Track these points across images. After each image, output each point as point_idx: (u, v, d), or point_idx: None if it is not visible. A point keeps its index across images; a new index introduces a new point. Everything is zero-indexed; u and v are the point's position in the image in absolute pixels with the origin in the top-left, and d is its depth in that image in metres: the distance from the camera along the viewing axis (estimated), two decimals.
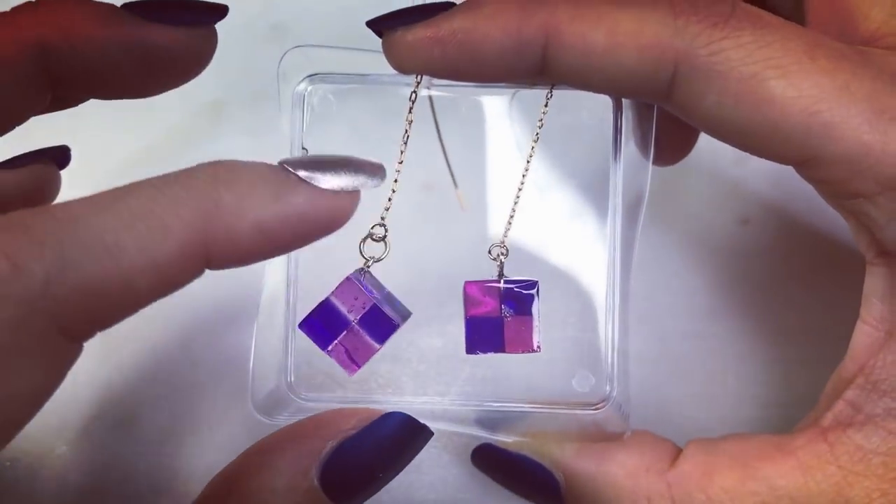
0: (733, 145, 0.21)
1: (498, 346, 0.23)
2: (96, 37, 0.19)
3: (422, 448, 0.20)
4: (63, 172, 0.28)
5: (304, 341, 0.25)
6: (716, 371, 0.31)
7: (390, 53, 0.21)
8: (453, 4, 0.20)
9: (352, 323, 0.22)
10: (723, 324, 0.31)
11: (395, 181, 0.22)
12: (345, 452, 0.19)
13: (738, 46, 0.19)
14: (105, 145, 0.33)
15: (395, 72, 0.21)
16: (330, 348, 0.22)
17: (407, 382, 0.25)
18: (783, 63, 0.19)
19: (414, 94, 0.22)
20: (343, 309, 0.22)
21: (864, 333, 0.22)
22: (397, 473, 0.20)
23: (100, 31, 0.19)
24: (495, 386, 0.25)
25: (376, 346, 0.22)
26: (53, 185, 0.25)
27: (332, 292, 0.22)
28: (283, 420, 0.24)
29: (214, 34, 0.21)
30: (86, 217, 0.15)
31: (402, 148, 0.22)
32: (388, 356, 0.23)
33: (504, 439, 0.25)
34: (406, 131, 0.22)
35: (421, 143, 0.23)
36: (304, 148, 0.24)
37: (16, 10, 0.19)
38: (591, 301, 0.25)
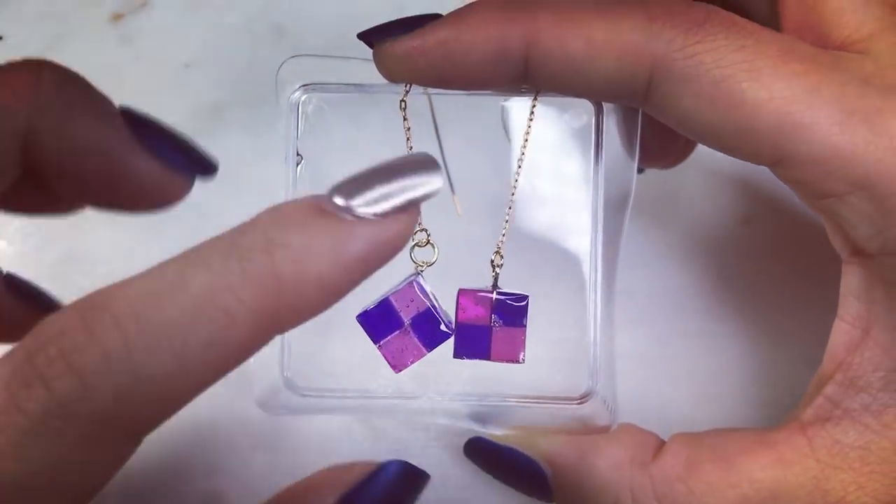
0: (709, 146, 0.22)
1: (484, 353, 0.24)
2: (93, 144, 0.19)
3: (421, 493, 0.20)
4: None
5: (303, 339, 0.25)
6: (716, 371, 0.31)
7: (380, 63, 0.22)
8: (439, 16, 0.21)
9: (405, 324, 0.23)
10: (723, 324, 0.31)
11: None
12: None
13: (711, 50, 0.20)
14: None
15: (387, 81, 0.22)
16: (381, 343, 0.23)
17: (406, 381, 0.26)
18: (756, 66, 0.20)
19: (403, 103, 0.23)
20: (399, 309, 0.23)
21: (842, 331, 0.22)
22: None
23: (97, 140, 0.19)
24: (486, 382, 0.26)
25: (425, 350, 0.23)
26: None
27: (393, 293, 0.23)
28: (284, 415, 0.24)
29: (191, 186, 0.21)
30: (148, 316, 0.15)
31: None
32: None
33: (495, 432, 0.25)
34: (408, 139, 0.23)
35: (417, 149, 0.23)
36: (298, 155, 0.25)
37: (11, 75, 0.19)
38: (577, 299, 0.25)
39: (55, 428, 0.14)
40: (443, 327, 0.23)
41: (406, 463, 0.19)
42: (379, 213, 0.17)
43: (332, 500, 0.18)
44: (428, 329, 0.23)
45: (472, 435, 0.26)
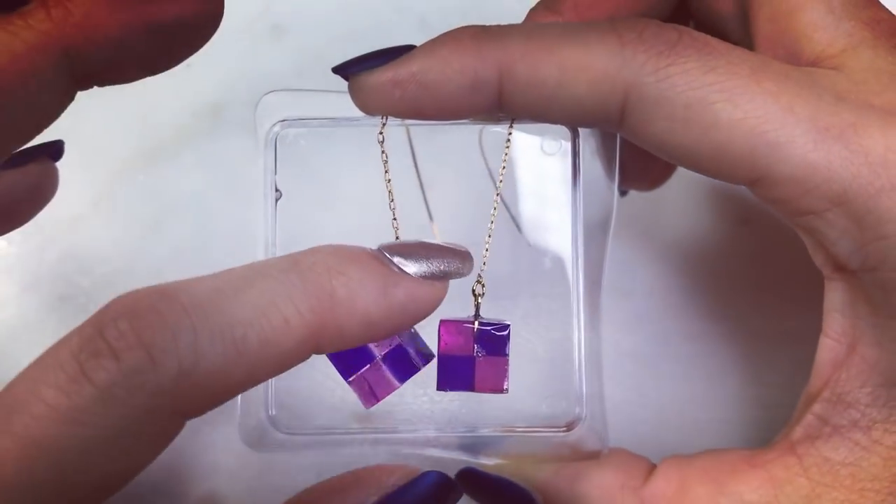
0: (686, 168, 0.22)
1: (468, 384, 0.23)
2: (115, 32, 0.19)
3: (457, 501, 0.20)
4: (64, 173, 0.28)
5: (287, 375, 0.25)
6: (716, 371, 0.31)
7: (356, 96, 0.22)
8: (413, 47, 0.21)
9: (376, 358, 0.23)
10: (723, 324, 0.31)
11: (394, 216, 0.23)
12: None
13: (683, 73, 0.20)
14: (105, 145, 0.33)
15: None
16: (351, 379, 0.23)
17: (393, 416, 0.26)
18: (728, 87, 0.20)
19: (381, 136, 0.23)
20: (371, 344, 0.23)
21: (828, 348, 0.22)
22: None
23: (117, 25, 0.19)
24: (472, 413, 0.26)
25: (396, 383, 0.23)
26: (53, 182, 0.25)
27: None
28: (271, 452, 0.24)
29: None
30: (214, 308, 0.16)
31: (389, 186, 0.23)
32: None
33: (486, 462, 0.25)
34: (386, 171, 0.23)
35: (395, 179, 0.24)
36: (277, 191, 0.25)
37: (31, 14, 0.19)
38: (562, 324, 0.25)
39: (120, 398, 0.15)
40: (413, 356, 0.23)
41: (445, 475, 0.20)
42: (419, 274, 0.19)
43: (374, 500, 0.18)
44: (399, 362, 0.23)
45: (463, 463, 0.26)
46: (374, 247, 0.19)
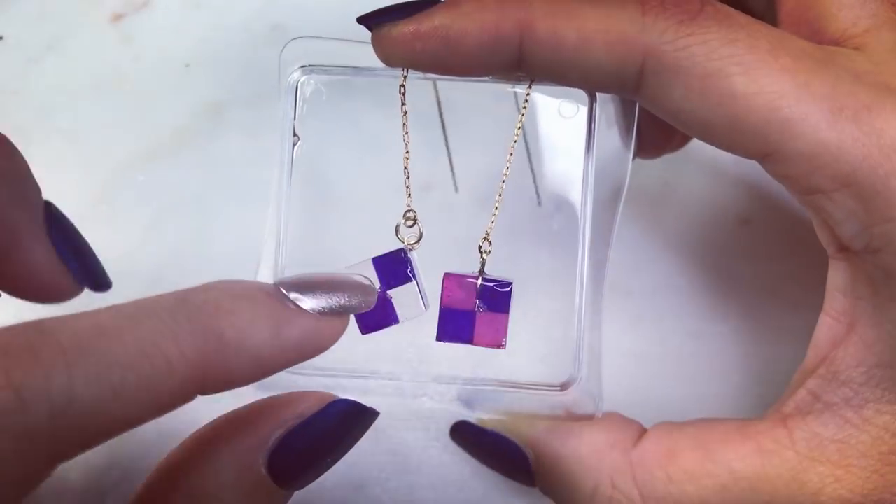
0: (700, 139, 0.22)
1: (467, 337, 0.24)
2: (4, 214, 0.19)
3: (369, 427, 0.20)
4: (63, 173, 0.28)
5: None
6: (717, 371, 0.31)
7: (378, 47, 0.22)
8: (437, 1, 0.22)
9: (385, 290, 0.23)
10: (723, 324, 0.31)
11: (406, 170, 0.24)
12: (292, 443, 0.19)
13: (702, 43, 0.20)
14: (105, 145, 0.33)
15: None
16: (381, 290, 0.23)
17: (390, 363, 0.26)
18: (746, 60, 0.20)
19: (402, 88, 0.24)
20: (385, 273, 0.24)
21: (827, 326, 0.22)
22: (345, 453, 0.20)
23: (9, 213, 0.19)
24: (468, 367, 0.26)
25: (396, 321, 0.24)
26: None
27: (383, 255, 0.24)
28: (268, 391, 0.24)
29: (78, 293, 0.21)
30: (94, 349, 0.15)
31: (406, 139, 0.24)
32: (380, 339, 0.24)
33: (482, 416, 0.26)
34: (404, 124, 0.24)
35: (414, 137, 0.24)
36: (296, 135, 0.25)
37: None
38: (565, 288, 0.25)
39: None
40: (421, 304, 0.23)
41: (356, 402, 0.20)
42: (317, 310, 0.19)
43: (281, 433, 0.19)
44: (406, 302, 0.23)
45: (457, 416, 0.26)
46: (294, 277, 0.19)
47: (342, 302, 0.19)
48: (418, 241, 0.24)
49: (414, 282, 0.24)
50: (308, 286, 0.19)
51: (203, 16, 0.34)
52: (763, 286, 0.31)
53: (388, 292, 0.24)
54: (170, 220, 0.32)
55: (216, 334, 0.17)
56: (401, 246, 0.24)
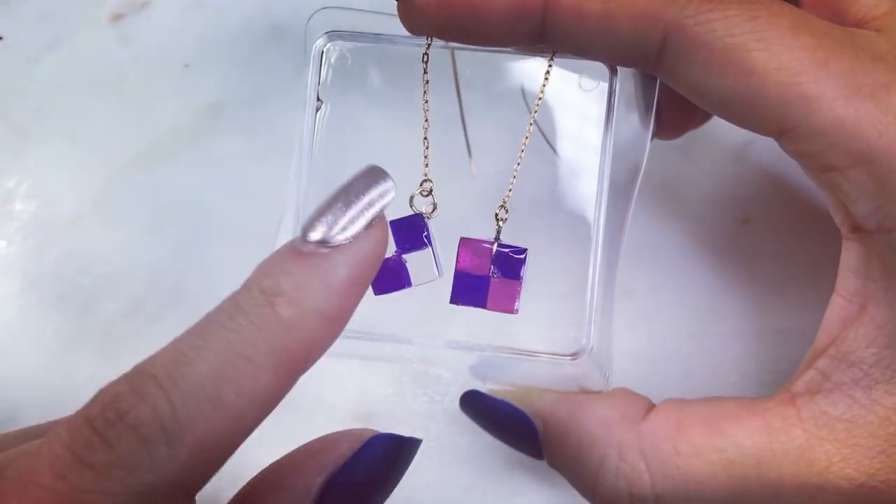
0: (718, 114, 0.22)
1: (480, 301, 0.24)
2: None
3: (412, 458, 0.20)
4: (63, 174, 0.28)
5: None
6: (717, 371, 0.31)
7: (403, 16, 0.22)
8: None
9: (400, 253, 0.24)
10: (723, 323, 0.31)
11: (426, 140, 0.24)
12: (335, 488, 0.19)
13: (724, 18, 0.20)
14: (105, 145, 0.33)
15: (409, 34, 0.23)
16: (396, 254, 0.24)
17: (411, 326, 0.26)
18: (766, 37, 0.20)
19: (425, 56, 0.24)
20: (402, 237, 0.24)
21: (838, 306, 0.22)
22: (394, 488, 0.20)
23: None
24: (481, 333, 0.26)
25: (408, 284, 0.24)
26: None
27: (400, 218, 0.24)
28: None
29: None
30: (182, 373, 0.16)
31: (425, 107, 0.24)
32: (397, 301, 0.25)
33: (492, 387, 0.26)
34: (425, 92, 0.24)
35: (433, 104, 0.24)
36: (319, 100, 0.26)
37: None
38: (579, 259, 0.26)
39: (119, 478, 0.15)
40: (434, 269, 0.24)
41: (394, 435, 0.20)
42: (351, 237, 0.18)
43: (325, 477, 0.19)
44: (420, 266, 0.24)
45: (467, 385, 0.26)
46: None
47: (366, 210, 0.19)
48: (434, 212, 0.24)
49: (430, 247, 0.24)
50: (328, 213, 0.19)
51: (203, 16, 0.34)
52: (763, 286, 0.31)
53: (404, 256, 0.24)
54: (170, 220, 0.32)
55: (277, 320, 0.17)
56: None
